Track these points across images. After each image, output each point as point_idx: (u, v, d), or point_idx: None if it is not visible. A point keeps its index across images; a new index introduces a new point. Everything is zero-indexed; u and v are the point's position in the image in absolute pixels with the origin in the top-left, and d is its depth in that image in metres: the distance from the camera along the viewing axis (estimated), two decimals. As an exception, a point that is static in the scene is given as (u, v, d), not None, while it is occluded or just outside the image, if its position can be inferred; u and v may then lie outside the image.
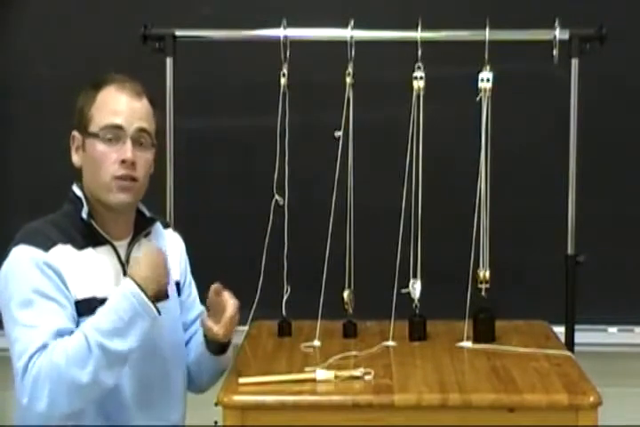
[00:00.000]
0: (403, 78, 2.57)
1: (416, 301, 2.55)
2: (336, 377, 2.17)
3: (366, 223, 2.60)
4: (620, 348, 3.08)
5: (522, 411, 2.10)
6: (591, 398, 2.09)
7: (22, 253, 2.07)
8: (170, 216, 2.74)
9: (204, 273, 2.37)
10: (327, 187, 2.55)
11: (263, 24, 2.71)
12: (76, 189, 2.19)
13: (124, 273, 2.17)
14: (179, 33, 2.72)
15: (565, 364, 2.32)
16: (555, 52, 2.65)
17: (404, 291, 2.53)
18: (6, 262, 2.09)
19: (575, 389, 2.14)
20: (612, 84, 2.98)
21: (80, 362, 1.96)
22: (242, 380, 2.16)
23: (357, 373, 2.19)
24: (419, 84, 2.55)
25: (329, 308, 2.55)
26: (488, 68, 2.55)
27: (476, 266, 2.56)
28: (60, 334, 2.01)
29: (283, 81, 2.60)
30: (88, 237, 2.14)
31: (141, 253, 2.11)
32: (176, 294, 2.29)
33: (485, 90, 2.54)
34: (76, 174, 2.19)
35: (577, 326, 2.73)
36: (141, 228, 2.23)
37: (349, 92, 2.57)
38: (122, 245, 2.19)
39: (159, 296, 2.09)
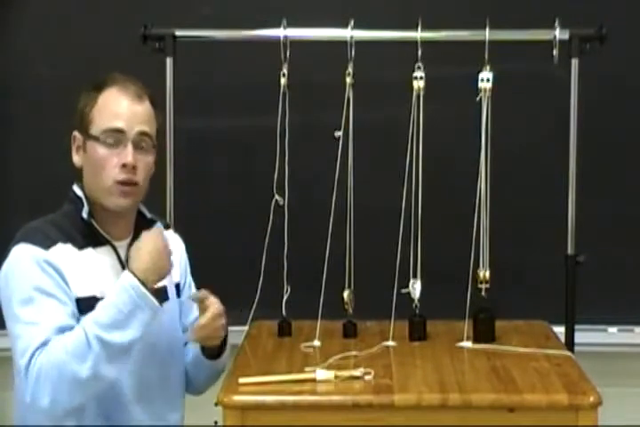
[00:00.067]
0: (403, 78, 2.57)
1: (416, 301, 2.55)
2: (336, 377, 2.17)
3: (366, 223, 2.60)
4: (620, 348, 3.08)
5: (522, 411, 2.10)
6: (591, 398, 2.09)
7: (23, 252, 2.07)
8: (170, 216, 2.74)
9: (204, 273, 2.37)
10: (327, 187, 2.55)
11: (263, 24, 2.71)
12: (76, 188, 2.19)
13: (124, 273, 2.17)
14: (179, 33, 2.72)
15: (565, 364, 2.32)
16: (555, 52, 2.65)
17: (403, 291, 2.53)
18: (7, 261, 2.09)
19: (575, 389, 2.14)
20: (611, 84, 2.98)
21: (79, 357, 1.96)
22: (242, 380, 2.16)
23: (357, 373, 2.19)
24: (419, 84, 2.55)
25: (329, 308, 2.55)
26: (488, 68, 2.55)
27: (476, 266, 2.56)
28: (62, 330, 2.01)
29: (283, 81, 2.60)
30: (88, 237, 2.14)
31: (142, 242, 2.10)
32: (175, 296, 2.29)
33: (485, 90, 2.54)
34: (77, 174, 2.19)
35: (577, 326, 2.73)
36: (141, 228, 2.23)
37: (349, 92, 2.57)
38: (122, 246, 2.19)
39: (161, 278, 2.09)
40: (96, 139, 2.12)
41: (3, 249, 2.12)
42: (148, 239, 2.10)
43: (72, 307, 2.06)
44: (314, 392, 2.13)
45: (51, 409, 1.98)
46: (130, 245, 2.19)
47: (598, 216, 2.98)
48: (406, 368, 2.29)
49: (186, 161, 2.87)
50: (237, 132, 3.02)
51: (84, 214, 2.14)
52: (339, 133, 2.53)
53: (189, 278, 2.37)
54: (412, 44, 2.57)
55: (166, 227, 2.36)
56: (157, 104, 2.22)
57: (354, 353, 2.36)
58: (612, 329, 3.07)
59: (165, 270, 2.10)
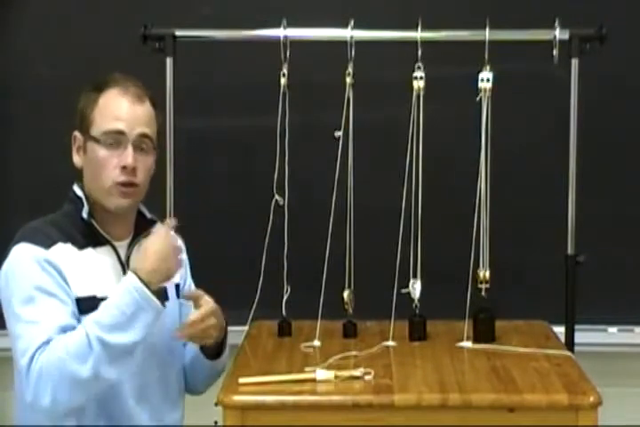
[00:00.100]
0: (403, 78, 2.57)
1: (416, 301, 2.55)
2: (336, 377, 2.17)
3: (366, 223, 2.60)
4: (620, 348, 3.08)
5: (522, 411, 2.09)
6: (591, 398, 2.09)
7: (23, 251, 2.07)
8: (170, 216, 2.74)
9: (204, 273, 2.37)
10: (327, 187, 2.55)
11: (263, 24, 2.71)
12: (76, 188, 2.19)
13: (124, 274, 2.17)
14: (179, 33, 2.72)
15: (565, 364, 2.32)
16: (555, 52, 2.65)
17: (404, 291, 2.53)
18: (7, 261, 2.09)
19: (575, 389, 2.14)
20: (611, 84, 2.98)
21: (80, 357, 1.96)
22: (242, 380, 2.16)
23: (357, 373, 2.19)
24: (419, 84, 2.55)
25: (329, 308, 2.55)
26: (488, 68, 2.54)
27: (476, 266, 2.56)
28: (63, 329, 2.01)
29: (283, 81, 2.59)
30: (88, 236, 2.15)
31: (149, 241, 2.09)
32: (175, 296, 2.29)
33: (485, 90, 2.54)
34: (77, 174, 2.19)
35: (577, 326, 2.73)
36: (142, 229, 2.23)
37: (349, 92, 2.57)
38: (122, 246, 2.19)
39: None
40: (96, 140, 2.13)
41: (3, 249, 2.12)
42: (156, 238, 2.09)
43: (72, 306, 2.07)
44: (314, 392, 2.13)
45: (51, 409, 1.98)
46: (130, 245, 2.20)
47: (598, 216, 2.98)
48: (406, 368, 2.29)
49: (186, 161, 2.87)
50: (237, 132, 3.02)
51: (84, 214, 2.14)
52: (339, 133, 2.53)
53: (190, 280, 2.37)
54: (412, 44, 2.57)
55: (166, 227, 2.36)
56: (158, 105, 2.23)
57: (354, 353, 2.36)
58: (612, 329, 3.07)
59: (172, 272, 2.08)
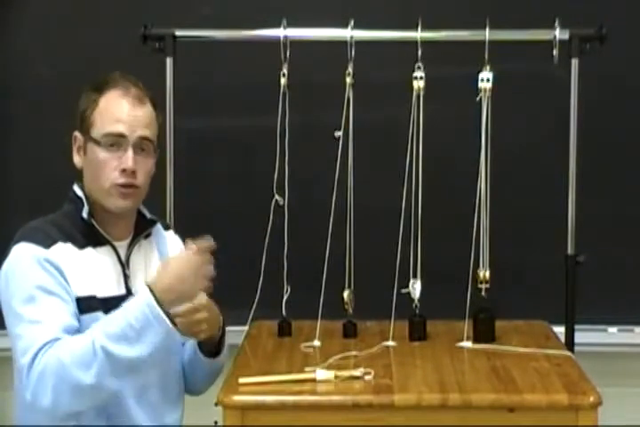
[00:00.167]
0: (403, 78, 2.57)
1: (416, 301, 2.55)
2: (336, 377, 2.17)
3: (366, 223, 2.60)
4: (620, 348, 3.08)
5: (522, 411, 2.10)
6: (591, 398, 2.09)
7: (23, 251, 2.07)
8: (170, 216, 2.74)
9: (203, 273, 2.37)
10: (327, 187, 2.55)
11: (263, 24, 2.71)
12: (76, 188, 2.19)
13: (124, 274, 2.17)
14: (179, 33, 2.72)
15: (565, 364, 2.32)
16: (555, 52, 2.65)
17: (404, 291, 2.54)
18: (7, 260, 2.09)
19: (575, 389, 2.14)
20: (612, 84, 2.98)
21: (84, 363, 1.95)
22: (242, 380, 2.16)
23: (357, 373, 2.19)
24: (419, 84, 2.55)
25: (329, 308, 2.55)
26: (488, 68, 2.55)
27: (476, 266, 2.56)
28: (65, 329, 2.01)
29: (283, 81, 2.60)
30: (88, 236, 2.14)
31: (172, 261, 2.06)
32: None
33: (485, 90, 2.54)
34: (77, 174, 2.19)
35: (577, 326, 2.73)
36: (142, 229, 2.23)
37: (349, 92, 2.57)
38: (122, 246, 2.19)
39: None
40: (97, 142, 2.12)
41: (3, 249, 2.12)
42: (179, 259, 2.06)
43: (73, 306, 2.06)
44: (314, 392, 2.13)
45: (51, 410, 1.98)
46: (130, 245, 2.20)
47: (598, 216, 2.98)
48: (406, 368, 2.29)
49: (186, 161, 2.87)
50: (237, 132, 3.02)
51: (85, 214, 2.14)
52: (339, 133, 2.53)
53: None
54: (412, 44, 2.57)
55: (166, 228, 2.36)
56: (158, 106, 2.23)
57: (354, 353, 2.36)
58: (612, 329, 3.07)
59: (186, 295, 2.02)
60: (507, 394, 2.12)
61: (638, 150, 3.03)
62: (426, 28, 2.58)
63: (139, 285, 2.19)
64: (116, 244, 2.18)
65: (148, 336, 1.96)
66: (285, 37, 2.62)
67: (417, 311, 2.55)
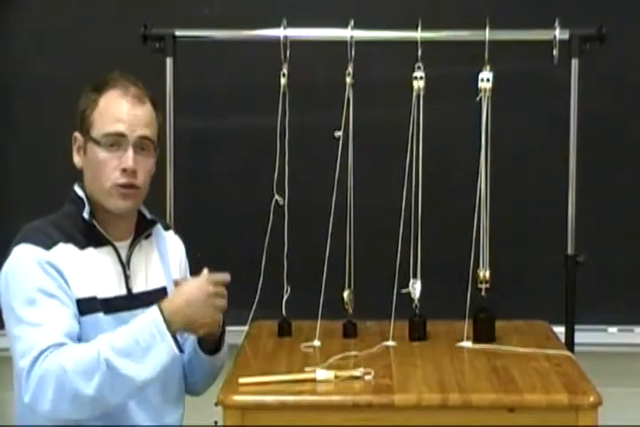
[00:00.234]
0: (403, 78, 2.57)
1: (416, 301, 2.55)
2: (336, 377, 2.17)
3: (366, 223, 2.60)
4: (619, 348, 3.08)
5: (522, 411, 2.09)
6: (591, 398, 2.09)
7: (24, 252, 2.07)
8: (170, 216, 2.74)
9: (203, 273, 2.37)
10: (327, 187, 2.55)
11: (263, 24, 2.71)
12: (77, 189, 2.19)
13: (125, 274, 2.17)
14: (179, 33, 2.72)
15: (565, 364, 2.32)
16: (555, 52, 2.65)
17: (404, 291, 2.53)
18: (8, 261, 2.09)
19: (575, 389, 2.14)
20: (612, 84, 2.98)
21: (86, 373, 1.94)
22: (242, 380, 2.16)
23: (357, 373, 2.19)
24: (419, 84, 2.55)
25: (329, 308, 2.55)
26: (488, 68, 2.55)
27: (476, 266, 2.56)
28: (66, 333, 2.00)
29: (283, 81, 2.60)
30: (89, 237, 2.14)
31: (187, 285, 2.07)
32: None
33: (485, 90, 2.54)
34: (77, 174, 2.19)
35: (577, 326, 2.73)
36: (142, 229, 2.23)
37: (349, 92, 2.57)
38: (123, 246, 2.19)
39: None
40: (97, 142, 2.12)
41: (3, 249, 2.12)
42: (192, 287, 2.06)
43: (74, 308, 2.06)
44: (314, 392, 2.13)
45: (51, 415, 1.98)
46: (131, 245, 2.20)
47: (598, 216, 2.98)
48: (406, 368, 2.29)
49: (186, 161, 2.87)
50: (237, 132, 3.02)
51: (86, 215, 2.14)
52: (339, 133, 2.53)
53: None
54: (412, 44, 2.57)
55: (167, 228, 2.36)
56: (158, 105, 2.22)
57: (354, 353, 2.36)
58: (612, 329, 3.07)
59: (192, 322, 2.04)
60: (507, 394, 2.12)
61: (638, 150, 3.03)
62: (426, 28, 2.58)
63: (139, 285, 2.20)
64: (117, 244, 2.17)
65: (153, 355, 1.97)
66: (285, 37, 2.62)
67: (417, 311, 2.55)
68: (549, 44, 2.65)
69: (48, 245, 2.08)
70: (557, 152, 2.78)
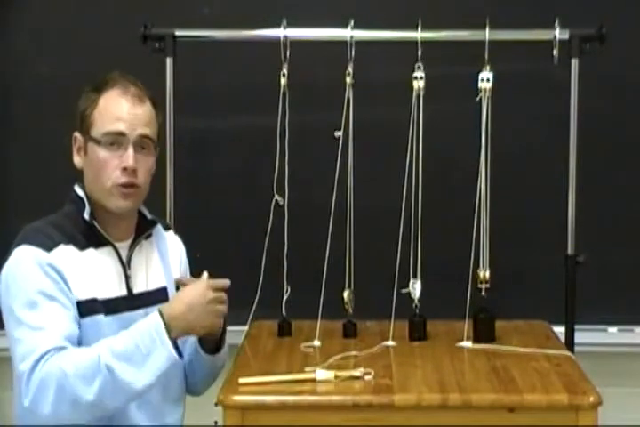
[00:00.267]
0: (403, 78, 2.57)
1: (416, 301, 2.55)
2: (336, 377, 2.17)
3: (366, 223, 2.60)
4: (620, 348, 3.08)
5: (522, 411, 2.09)
6: (591, 398, 2.09)
7: (25, 254, 2.06)
8: (170, 216, 2.74)
9: (203, 273, 2.37)
10: (327, 187, 2.55)
11: (263, 24, 2.71)
12: (78, 189, 2.18)
13: (125, 275, 2.17)
14: (179, 33, 2.72)
15: (565, 364, 2.32)
16: (555, 52, 2.65)
17: (404, 291, 2.53)
18: (8, 263, 2.08)
19: (575, 389, 2.14)
20: (612, 84, 2.98)
21: (87, 377, 1.94)
22: (242, 380, 2.16)
23: (357, 373, 2.19)
24: (419, 84, 2.55)
25: (329, 308, 2.55)
26: (488, 68, 2.55)
27: (476, 266, 2.56)
28: (66, 337, 2.00)
29: (283, 81, 2.60)
30: (90, 237, 2.14)
31: (187, 290, 2.09)
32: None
33: (485, 90, 2.54)
34: (78, 175, 2.19)
35: (577, 326, 2.73)
36: (143, 229, 2.23)
37: (349, 92, 2.57)
38: (123, 247, 2.19)
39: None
40: (97, 141, 2.12)
41: (3, 249, 2.11)
42: (195, 292, 2.07)
43: (74, 311, 2.06)
44: (314, 392, 2.13)
45: (51, 418, 1.97)
46: (131, 245, 2.20)
47: (598, 216, 2.98)
48: (406, 368, 2.29)
49: (186, 161, 2.87)
50: (237, 132, 3.02)
51: (86, 215, 2.14)
52: (339, 133, 2.53)
53: (189, 279, 2.37)
54: (412, 44, 2.57)
55: (167, 228, 2.36)
56: (158, 105, 2.22)
57: (354, 353, 2.36)
58: (612, 329, 3.07)
59: (194, 324, 2.05)
60: (507, 394, 2.12)
61: (638, 150, 3.03)
62: (426, 28, 2.58)
63: (139, 285, 2.20)
64: (118, 244, 2.17)
65: (153, 360, 1.98)
66: (285, 37, 2.62)
67: (417, 311, 2.55)
68: (549, 44, 2.65)
69: (49, 247, 2.07)
70: (557, 152, 2.78)
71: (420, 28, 2.57)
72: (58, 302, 2.04)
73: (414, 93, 2.55)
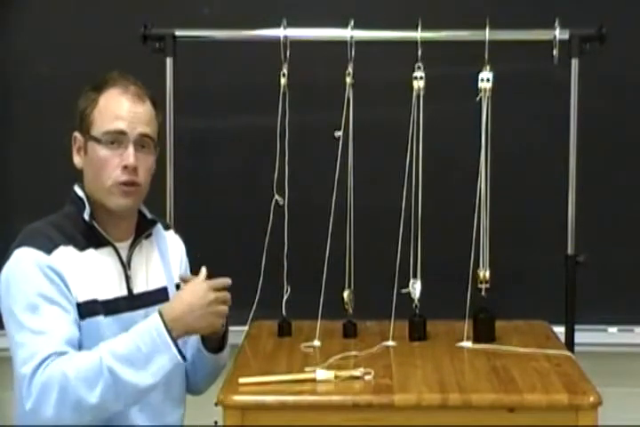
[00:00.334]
0: (403, 78, 2.57)
1: (416, 301, 2.55)
2: (336, 377, 2.17)
3: (366, 223, 2.60)
4: (620, 348, 3.08)
5: (522, 411, 2.10)
6: (591, 398, 2.09)
7: (25, 256, 2.06)
8: (170, 216, 2.74)
9: (204, 273, 2.37)
10: (327, 187, 2.55)
11: (263, 24, 2.71)
12: (77, 189, 2.18)
13: (126, 275, 2.17)
14: (179, 33, 2.72)
15: (565, 364, 2.32)
16: (555, 52, 2.65)
17: (404, 291, 2.54)
18: (8, 264, 2.08)
19: (575, 389, 2.14)
20: (612, 84, 2.98)
21: (89, 381, 1.94)
22: (242, 380, 2.16)
23: (357, 373, 2.19)
24: (419, 84, 2.55)
25: (329, 308, 2.55)
26: (488, 68, 2.55)
27: (476, 266, 2.56)
28: (67, 341, 2.00)
29: (283, 81, 2.60)
30: (90, 238, 2.14)
31: (187, 290, 2.09)
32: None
33: (485, 90, 2.54)
34: (78, 175, 2.19)
35: (577, 326, 2.73)
36: (143, 229, 2.23)
37: (349, 92, 2.57)
38: (123, 247, 2.19)
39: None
40: (97, 140, 2.12)
41: (3, 249, 2.11)
42: (196, 293, 2.07)
43: (74, 314, 2.06)
44: (314, 392, 2.13)
45: (53, 422, 1.97)
46: (131, 246, 2.19)
47: (598, 216, 2.98)
48: (406, 368, 2.29)
49: (186, 161, 2.87)
50: (237, 132, 3.02)
51: (86, 216, 2.13)
52: (339, 133, 2.53)
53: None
54: (412, 44, 2.57)
55: (167, 227, 2.36)
56: (158, 104, 2.22)
57: (354, 353, 2.36)
58: (612, 329, 3.07)
59: (194, 325, 2.06)
60: (507, 394, 2.12)
61: (638, 150, 3.03)
62: (426, 28, 2.58)
63: (140, 285, 2.20)
64: (118, 244, 2.17)
65: (155, 362, 1.98)
66: (285, 37, 2.62)
67: (417, 311, 2.55)
68: (549, 44, 2.65)
69: (49, 249, 2.07)
70: (557, 152, 2.78)
71: (420, 28, 2.57)
72: (58, 305, 2.03)
73: (414, 93, 2.55)
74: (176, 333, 2.01)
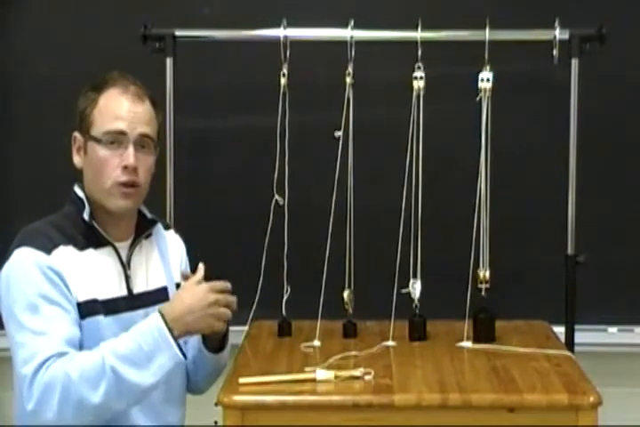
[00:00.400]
0: (403, 78, 2.57)
1: (416, 301, 2.55)
2: (336, 377, 2.17)
3: (366, 223, 2.60)
4: (620, 348, 3.08)
5: (522, 411, 2.09)
6: (591, 398, 2.09)
7: (25, 256, 2.06)
8: (170, 216, 2.74)
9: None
10: (327, 187, 2.55)
11: (263, 24, 2.71)
12: (77, 189, 2.18)
13: (126, 275, 2.17)
14: (179, 33, 2.73)
15: (565, 364, 2.32)
16: (555, 52, 2.65)
17: (404, 291, 2.53)
18: (8, 264, 2.07)
19: (575, 389, 2.14)
20: (612, 84, 2.98)
21: (92, 381, 1.95)
22: (242, 380, 2.16)
23: (357, 373, 2.19)
24: (419, 84, 2.55)
25: (329, 308, 2.55)
26: (488, 68, 2.55)
27: (476, 266, 2.56)
28: (68, 341, 2.00)
29: (283, 81, 2.60)
30: (89, 238, 2.14)
31: (187, 290, 2.08)
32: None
33: (485, 90, 2.54)
34: (78, 175, 2.19)
35: (577, 326, 2.73)
36: (143, 229, 2.23)
37: (349, 92, 2.57)
38: (123, 247, 2.19)
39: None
40: (97, 140, 2.12)
41: (3, 249, 2.11)
42: (196, 295, 2.07)
43: (74, 314, 2.06)
44: (314, 392, 2.13)
45: (55, 422, 1.97)
46: (131, 246, 2.20)
47: (598, 216, 2.98)
48: (406, 368, 2.29)
49: (186, 161, 2.87)
50: (237, 132, 3.02)
51: (86, 216, 2.13)
52: (339, 133, 2.54)
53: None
54: (412, 44, 2.57)
55: (167, 227, 2.36)
56: (157, 104, 2.22)
57: (354, 353, 2.36)
58: (612, 329, 3.07)
59: (194, 325, 2.06)
60: (507, 394, 2.12)
61: (638, 150, 3.03)
62: (426, 28, 2.58)
63: (140, 285, 2.20)
64: (118, 244, 2.17)
65: (157, 361, 1.98)
66: (285, 37, 2.62)
67: (417, 311, 2.55)
68: (549, 44, 2.65)
69: (49, 249, 2.06)
70: (557, 152, 2.78)
71: (420, 28, 2.57)
72: (59, 305, 2.03)
73: (414, 93, 2.55)
74: (177, 332, 2.02)
